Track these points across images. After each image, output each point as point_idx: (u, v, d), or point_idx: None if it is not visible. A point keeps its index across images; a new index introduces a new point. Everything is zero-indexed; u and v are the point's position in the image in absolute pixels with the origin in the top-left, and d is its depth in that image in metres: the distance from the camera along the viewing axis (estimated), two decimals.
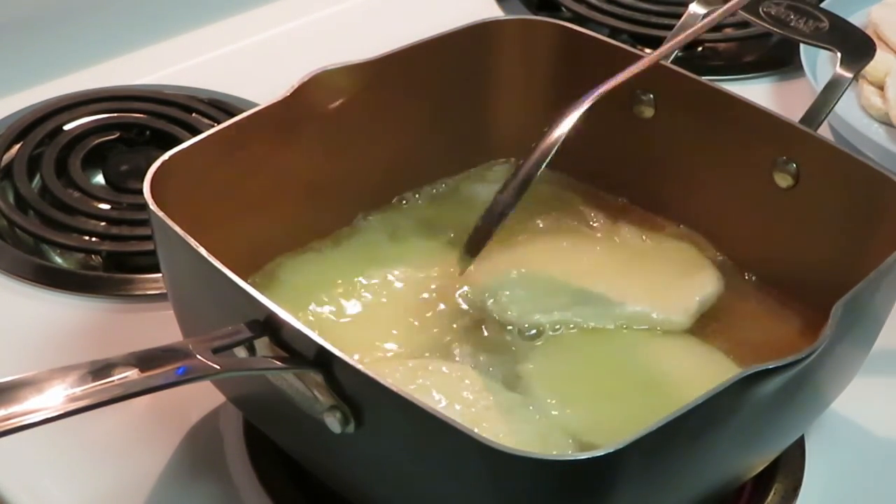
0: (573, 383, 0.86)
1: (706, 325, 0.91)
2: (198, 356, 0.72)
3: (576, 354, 0.88)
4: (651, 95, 0.97)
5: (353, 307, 0.91)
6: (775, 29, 0.96)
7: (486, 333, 0.90)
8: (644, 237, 0.96)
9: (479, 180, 1.02)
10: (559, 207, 1.00)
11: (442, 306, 0.91)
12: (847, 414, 0.91)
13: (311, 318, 0.89)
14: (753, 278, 0.94)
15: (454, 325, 0.90)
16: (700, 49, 1.28)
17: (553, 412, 0.84)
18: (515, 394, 0.85)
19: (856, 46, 0.93)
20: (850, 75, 0.92)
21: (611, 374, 0.88)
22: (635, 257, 0.95)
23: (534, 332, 0.89)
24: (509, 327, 0.90)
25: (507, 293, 0.91)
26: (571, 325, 0.90)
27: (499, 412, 0.83)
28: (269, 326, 0.75)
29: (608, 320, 0.90)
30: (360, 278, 0.93)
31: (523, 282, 0.93)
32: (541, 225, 0.98)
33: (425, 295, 0.92)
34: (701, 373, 0.87)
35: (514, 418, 0.83)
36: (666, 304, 0.91)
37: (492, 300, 0.91)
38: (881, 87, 1.14)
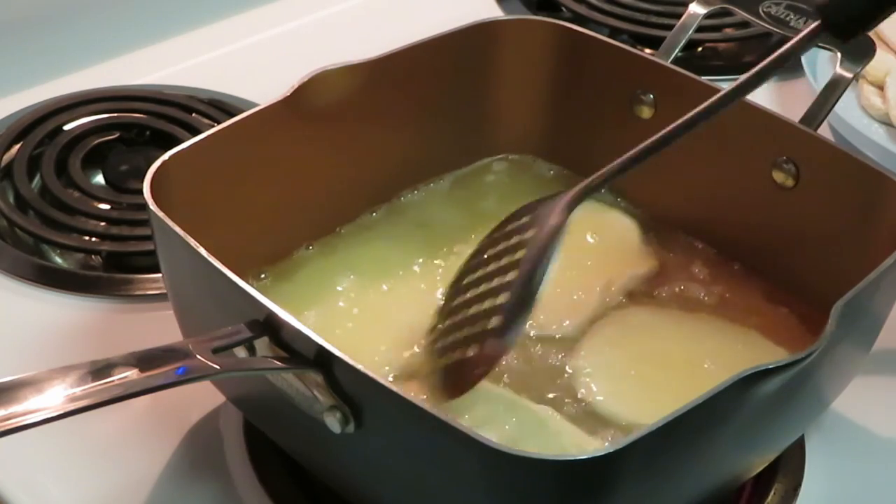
0: (621, 379, 0.87)
1: None
2: (198, 356, 0.72)
3: (618, 347, 0.89)
4: (651, 95, 0.97)
5: (354, 312, 0.91)
6: (775, 29, 0.96)
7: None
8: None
9: (479, 180, 1.02)
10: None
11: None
12: (847, 414, 0.91)
13: (311, 321, 0.89)
14: (753, 278, 0.94)
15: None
16: (700, 49, 1.28)
17: (596, 397, 0.84)
18: (546, 407, 0.84)
19: (856, 46, 0.93)
20: (850, 75, 0.92)
21: (655, 364, 0.88)
22: (590, 251, 0.96)
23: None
24: None
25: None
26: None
27: (532, 427, 0.82)
28: (269, 326, 0.75)
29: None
30: (362, 280, 0.93)
31: None
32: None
33: (428, 302, 0.92)
34: (746, 355, 0.87)
35: (547, 431, 0.82)
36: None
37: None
38: (881, 87, 1.14)
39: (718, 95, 0.82)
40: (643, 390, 0.86)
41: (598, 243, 0.96)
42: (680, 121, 0.82)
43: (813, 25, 0.79)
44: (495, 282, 0.80)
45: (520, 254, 0.80)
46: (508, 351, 0.80)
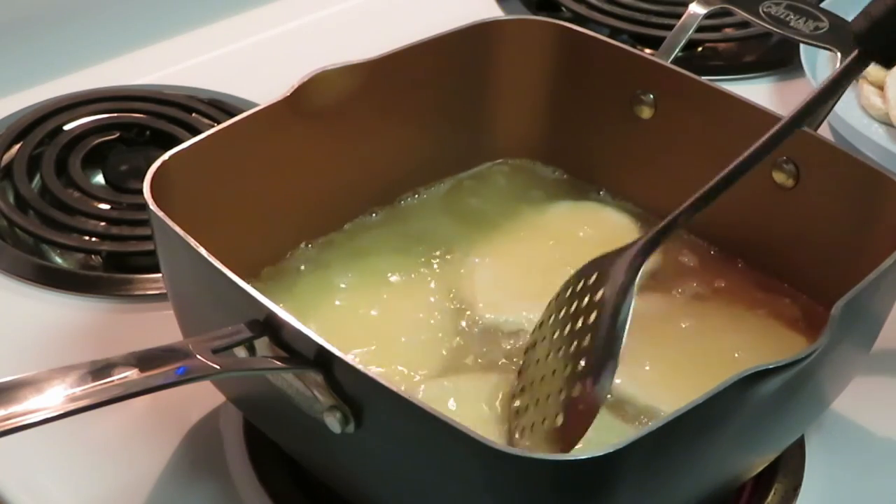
0: (639, 363, 0.87)
1: None
2: (198, 356, 0.72)
3: (633, 332, 0.89)
4: (651, 95, 0.97)
5: (353, 311, 0.91)
6: (775, 29, 0.96)
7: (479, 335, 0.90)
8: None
9: (479, 181, 1.02)
10: (548, 204, 1.00)
11: (440, 316, 0.91)
12: (847, 414, 0.91)
13: (311, 321, 0.89)
14: (753, 277, 0.94)
15: (456, 336, 0.90)
16: (700, 49, 1.28)
17: (625, 393, 0.85)
18: None
19: None
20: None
21: (670, 348, 0.88)
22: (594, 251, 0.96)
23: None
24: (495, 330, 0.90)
25: (489, 297, 0.92)
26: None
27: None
28: (269, 326, 0.75)
29: None
30: (361, 282, 0.93)
31: (508, 285, 0.93)
32: (530, 221, 0.99)
33: (427, 304, 0.92)
34: (760, 341, 0.88)
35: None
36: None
37: (481, 304, 0.92)
38: (881, 87, 1.14)
39: (766, 137, 0.82)
40: (661, 373, 0.86)
41: (601, 243, 0.96)
42: (733, 165, 0.82)
43: (852, 55, 0.79)
44: (573, 347, 0.81)
45: (593, 317, 0.81)
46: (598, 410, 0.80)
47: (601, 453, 0.69)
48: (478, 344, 0.89)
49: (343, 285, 0.92)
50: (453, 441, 0.69)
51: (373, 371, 0.71)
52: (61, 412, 0.67)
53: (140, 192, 0.82)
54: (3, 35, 1.18)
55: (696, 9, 0.99)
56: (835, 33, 0.94)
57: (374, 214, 0.98)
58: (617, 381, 0.85)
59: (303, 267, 0.93)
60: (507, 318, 0.90)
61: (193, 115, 1.15)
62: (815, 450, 0.89)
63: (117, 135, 1.13)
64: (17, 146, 1.11)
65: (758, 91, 1.20)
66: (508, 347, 0.89)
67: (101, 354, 0.71)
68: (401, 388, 0.71)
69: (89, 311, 0.98)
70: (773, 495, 0.87)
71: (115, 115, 1.14)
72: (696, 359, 0.88)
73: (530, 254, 0.96)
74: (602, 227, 0.98)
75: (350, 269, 0.93)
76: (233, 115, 0.93)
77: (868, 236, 0.87)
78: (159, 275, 0.94)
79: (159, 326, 0.89)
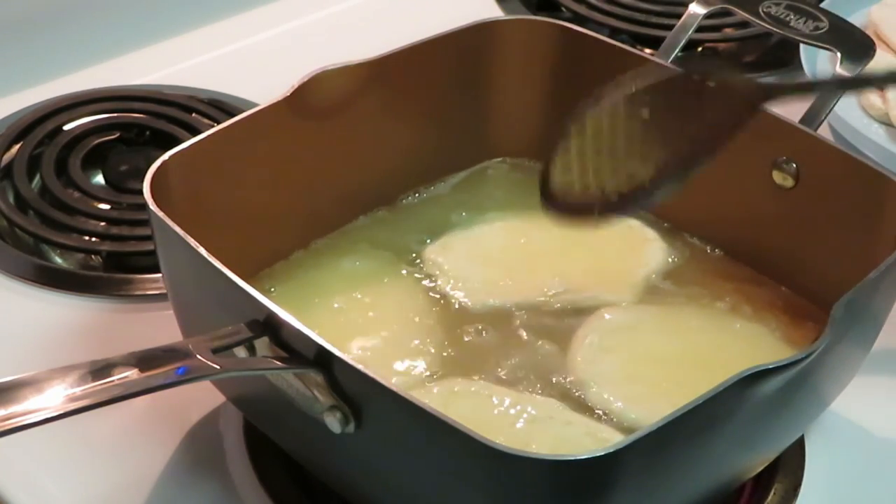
0: (626, 383, 0.87)
1: None
2: (198, 356, 0.72)
3: (609, 352, 0.89)
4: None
5: (353, 312, 0.91)
6: (775, 29, 0.96)
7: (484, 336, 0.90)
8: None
9: (479, 180, 1.02)
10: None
11: (440, 316, 0.91)
12: (847, 414, 0.91)
13: (311, 321, 0.89)
14: (752, 277, 0.94)
15: (460, 336, 0.90)
16: (700, 49, 1.28)
17: (614, 405, 0.85)
18: (549, 399, 0.85)
19: (856, 46, 0.94)
20: (850, 75, 0.92)
21: (664, 357, 0.88)
22: (588, 239, 0.96)
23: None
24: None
25: (486, 298, 0.92)
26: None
27: (541, 422, 0.83)
28: (269, 326, 0.75)
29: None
30: (360, 282, 0.93)
31: (488, 273, 0.94)
32: (530, 220, 0.98)
33: (427, 304, 0.92)
34: (750, 349, 0.88)
35: (556, 423, 0.83)
36: (611, 283, 0.93)
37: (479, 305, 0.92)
38: (881, 87, 1.13)
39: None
40: (650, 389, 0.86)
41: (600, 242, 0.96)
42: None
43: None
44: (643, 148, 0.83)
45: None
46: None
47: (601, 453, 0.69)
48: (475, 343, 0.89)
49: (343, 285, 0.92)
50: (453, 441, 0.70)
51: (373, 371, 0.71)
52: (61, 412, 0.68)
53: (140, 192, 0.82)
54: (3, 35, 1.18)
55: (696, 9, 0.99)
56: (835, 33, 0.94)
57: (374, 215, 0.98)
58: (614, 403, 0.85)
59: (302, 266, 0.93)
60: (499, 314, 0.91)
61: (193, 115, 1.15)
62: (815, 450, 0.89)
63: (117, 135, 1.13)
64: (17, 146, 1.11)
65: None
66: (505, 347, 0.89)
67: (101, 354, 0.71)
68: (400, 388, 0.71)
69: (89, 311, 0.98)
70: (773, 495, 0.87)
71: (115, 115, 1.14)
72: (693, 360, 0.87)
73: (530, 253, 0.96)
74: (601, 227, 0.98)
75: (350, 269, 0.93)
76: (233, 115, 0.93)
77: (868, 236, 0.87)
78: (159, 275, 0.94)
79: (159, 326, 0.89)
